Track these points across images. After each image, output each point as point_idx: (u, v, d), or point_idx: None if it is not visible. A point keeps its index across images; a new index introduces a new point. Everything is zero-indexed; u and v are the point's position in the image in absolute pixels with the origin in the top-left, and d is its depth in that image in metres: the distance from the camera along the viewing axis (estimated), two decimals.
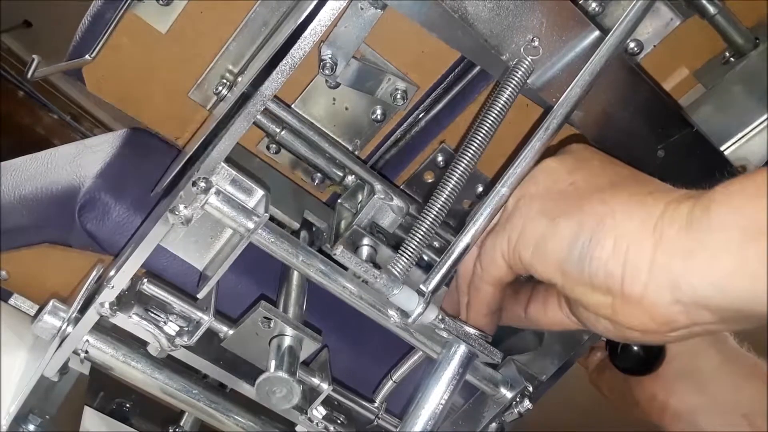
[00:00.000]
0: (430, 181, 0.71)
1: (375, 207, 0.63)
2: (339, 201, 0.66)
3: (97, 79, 0.63)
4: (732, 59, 0.64)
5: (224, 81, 0.63)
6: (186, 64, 0.63)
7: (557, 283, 0.46)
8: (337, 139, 0.67)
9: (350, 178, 0.66)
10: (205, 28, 0.60)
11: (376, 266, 0.51)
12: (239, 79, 0.62)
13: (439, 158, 0.70)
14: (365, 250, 0.60)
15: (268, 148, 0.68)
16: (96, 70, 0.62)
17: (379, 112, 0.65)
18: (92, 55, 0.58)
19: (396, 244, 0.57)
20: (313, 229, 0.69)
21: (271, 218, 0.56)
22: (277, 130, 0.63)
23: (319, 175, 0.69)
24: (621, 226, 0.41)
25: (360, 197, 0.65)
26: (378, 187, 0.63)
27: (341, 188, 0.68)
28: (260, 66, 0.50)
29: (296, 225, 0.67)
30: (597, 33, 0.53)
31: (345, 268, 0.53)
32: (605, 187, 0.45)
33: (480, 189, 0.71)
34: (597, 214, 0.43)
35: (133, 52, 0.62)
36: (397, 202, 0.63)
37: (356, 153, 0.68)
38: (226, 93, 0.63)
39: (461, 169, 0.52)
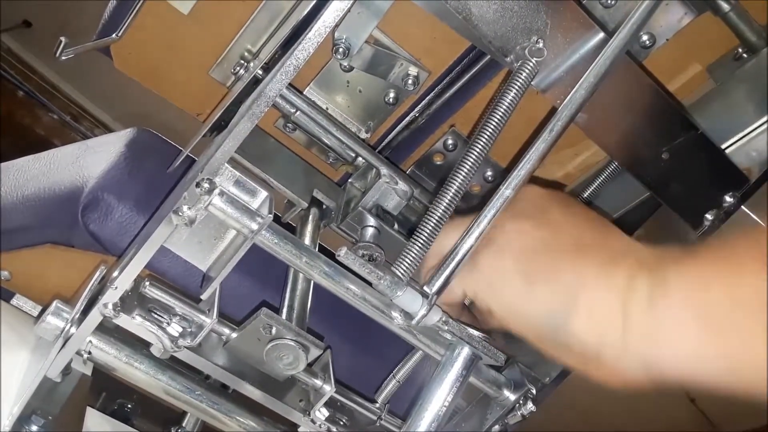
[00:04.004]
0: (439, 163, 0.73)
1: (380, 190, 0.64)
2: (349, 180, 0.68)
3: (124, 57, 0.67)
4: (745, 55, 0.65)
5: (242, 61, 0.65)
6: (207, 44, 0.65)
7: (529, 341, 0.49)
8: (352, 121, 0.69)
9: (361, 159, 0.68)
10: (225, 9, 0.62)
11: (380, 263, 0.51)
12: (255, 61, 0.64)
13: (449, 142, 0.71)
14: (369, 231, 0.61)
15: (285, 126, 0.70)
16: (122, 49, 0.66)
17: (392, 95, 0.67)
18: (119, 35, 0.61)
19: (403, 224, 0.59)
20: (323, 207, 0.70)
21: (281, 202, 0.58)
22: (292, 111, 0.65)
23: (332, 153, 0.71)
24: (593, 302, 0.44)
25: (369, 178, 0.67)
26: (384, 171, 0.64)
27: (353, 168, 0.69)
28: (268, 54, 0.51)
29: (305, 204, 0.68)
30: (602, 35, 0.53)
31: (349, 270, 0.53)
32: (574, 255, 0.47)
33: (489, 173, 0.72)
34: (570, 286, 0.46)
35: (157, 32, 0.64)
36: (402, 186, 0.65)
37: (368, 134, 0.70)
38: (243, 73, 0.65)
39: (458, 183, 0.52)
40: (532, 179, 0.56)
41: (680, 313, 0.40)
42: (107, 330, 0.56)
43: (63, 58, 0.59)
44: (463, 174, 0.51)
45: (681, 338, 0.40)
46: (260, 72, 0.59)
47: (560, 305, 0.45)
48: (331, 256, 0.52)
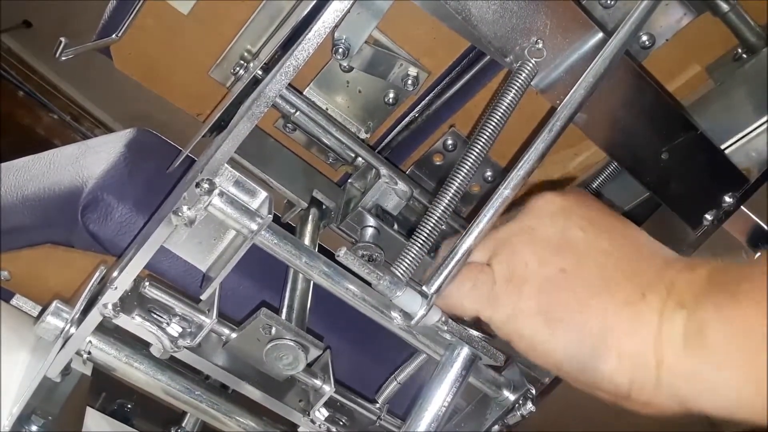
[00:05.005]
0: (438, 163, 0.73)
1: (380, 190, 0.65)
2: (349, 181, 0.68)
3: (124, 57, 0.67)
4: (744, 56, 0.65)
5: (242, 62, 0.65)
6: (207, 44, 0.65)
7: (554, 373, 0.49)
8: (351, 121, 0.69)
9: (361, 159, 0.68)
10: (225, 10, 0.62)
11: (379, 263, 0.52)
12: (255, 62, 0.64)
13: (449, 142, 0.72)
14: (369, 232, 0.61)
15: (285, 127, 0.70)
16: (122, 49, 0.66)
17: (391, 95, 0.67)
18: (119, 35, 0.61)
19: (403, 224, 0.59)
20: (323, 207, 0.70)
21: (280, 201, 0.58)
22: (292, 111, 0.65)
23: (332, 154, 0.71)
24: (622, 344, 0.43)
25: (369, 178, 0.67)
26: (383, 171, 0.65)
27: (353, 168, 0.69)
28: (268, 55, 0.51)
29: (305, 204, 0.68)
30: (601, 35, 0.53)
31: (348, 270, 0.53)
32: (599, 291, 0.45)
33: (488, 173, 0.72)
34: (596, 327, 0.44)
35: (157, 32, 0.64)
36: (401, 186, 0.65)
37: (368, 135, 0.70)
38: (243, 73, 0.65)
39: (457, 183, 0.52)
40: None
41: (721, 358, 0.39)
42: (107, 330, 0.57)
43: (63, 58, 0.59)
44: (463, 174, 0.51)
45: (722, 384, 0.39)
46: (260, 72, 0.59)
47: (587, 349, 0.44)
48: (331, 256, 0.52)
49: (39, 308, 0.66)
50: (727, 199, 0.62)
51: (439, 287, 0.51)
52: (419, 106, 0.69)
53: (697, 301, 0.41)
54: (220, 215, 0.50)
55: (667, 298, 0.42)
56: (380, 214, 0.65)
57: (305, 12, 0.52)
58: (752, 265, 0.40)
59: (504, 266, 0.49)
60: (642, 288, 0.44)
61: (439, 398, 0.52)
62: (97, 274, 0.57)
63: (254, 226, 0.50)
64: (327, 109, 0.68)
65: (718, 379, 0.39)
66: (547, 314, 0.46)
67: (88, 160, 0.68)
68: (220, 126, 0.58)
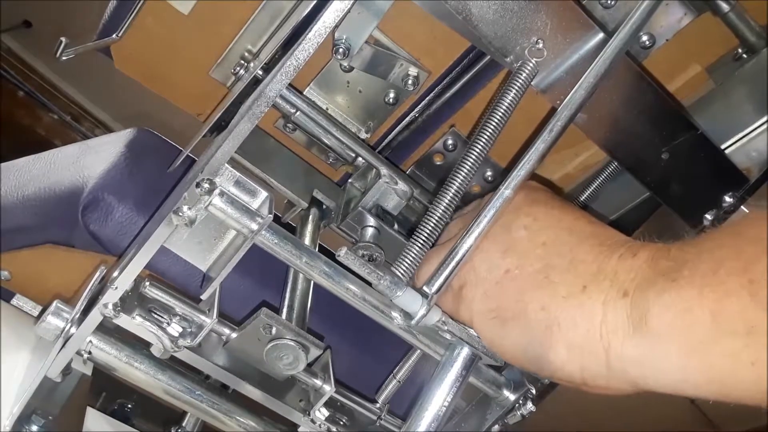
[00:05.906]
0: (438, 163, 0.73)
1: (380, 190, 0.65)
2: (349, 181, 0.68)
3: (124, 57, 0.66)
4: (744, 56, 0.65)
5: (242, 61, 0.65)
6: (207, 44, 0.65)
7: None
8: (352, 121, 0.69)
9: (361, 159, 0.68)
10: (225, 9, 0.62)
11: (379, 263, 0.52)
12: (255, 62, 0.64)
13: (449, 142, 0.71)
14: (369, 231, 0.61)
15: (285, 126, 0.70)
16: (122, 49, 0.65)
17: (391, 95, 0.67)
18: (119, 35, 0.61)
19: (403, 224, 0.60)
20: (323, 207, 0.70)
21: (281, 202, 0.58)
22: (292, 111, 0.65)
23: (332, 154, 0.71)
24: (568, 336, 0.44)
25: (369, 178, 0.67)
26: (384, 171, 0.65)
27: (353, 168, 0.69)
28: (268, 55, 0.51)
29: (305, 204, 0.68)
30: (601, 35, 0.53)
31: (349, 270, 0.53)
32: (540, 285, 0.47)
33: (488, 173, 0.72)
34: (541, 322, 0.46)
35: (157, 32, 0.64)
36: (401, 186, 0.65)
37: (368, 135, 0.70)
38: (243, 73, 0.65)
39: (458, 184, 0.52)
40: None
41: (664, 342, 0.40)
42: (107, 330, 0.57)
43: (63, 58, 0.59)
44: (463, 174, 0.51)
45: (667, 366, 0.40)
46: (260, 72, 0.59)
47: (536, 343, 0.46)
48: (331, 256, 0.52)
49: (39, 308, 0.66)
50: (728, 199, 0.62)
51: (440, 287, 0.51)
52: (419, 106, 0.69)
53: (640, 289, 0.42)
54: (221, 215, 0.50)
55: (609, 287, 0.43)
56: (380, 214, 0.65)
57: (305, 12, 0.52)
58: (691, 246, 0.41)
59: (457, 276, 0.51)
60: (582, 279, 0.45)
61: (440, 398, 0.52)
62: (97, 274, 0.57)
63: (254, 226, 0.50)
64: (327, 109, 0.68)
65: (663, 362, 0.40)
66: (499, 315, 0.48)
67: (89, 160, 0.68)
68: (221, 126, 0.58)
